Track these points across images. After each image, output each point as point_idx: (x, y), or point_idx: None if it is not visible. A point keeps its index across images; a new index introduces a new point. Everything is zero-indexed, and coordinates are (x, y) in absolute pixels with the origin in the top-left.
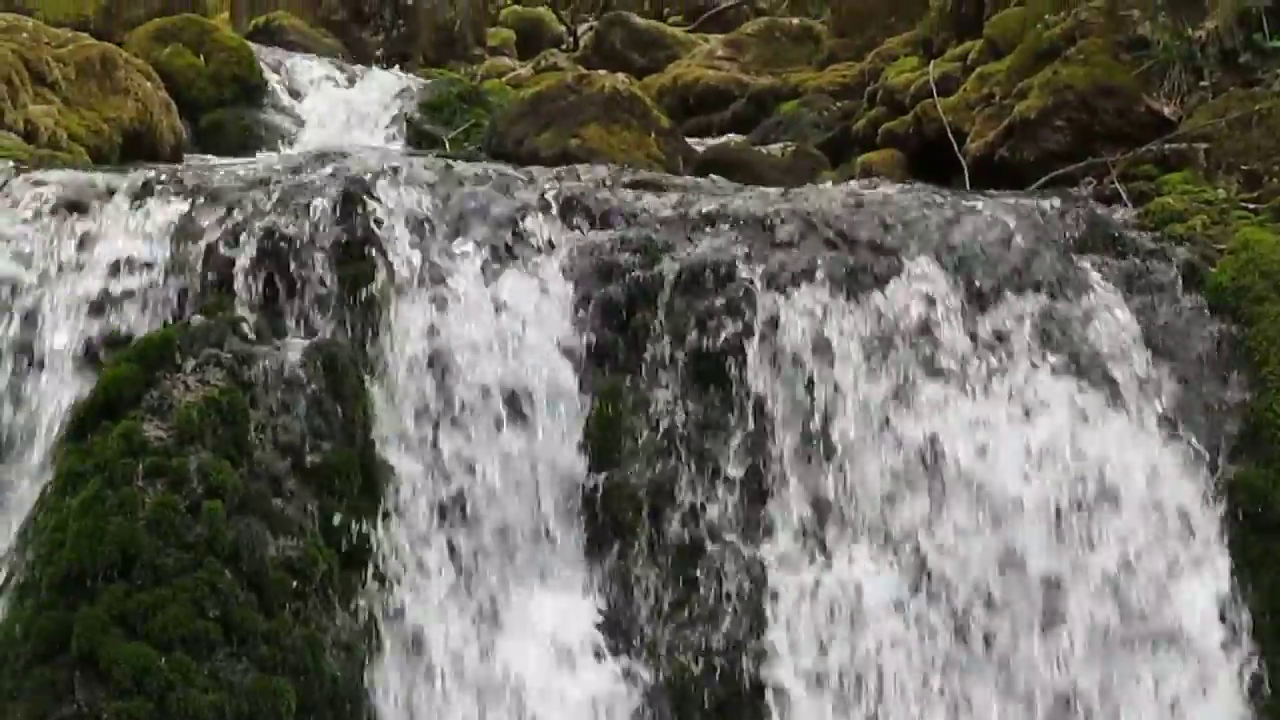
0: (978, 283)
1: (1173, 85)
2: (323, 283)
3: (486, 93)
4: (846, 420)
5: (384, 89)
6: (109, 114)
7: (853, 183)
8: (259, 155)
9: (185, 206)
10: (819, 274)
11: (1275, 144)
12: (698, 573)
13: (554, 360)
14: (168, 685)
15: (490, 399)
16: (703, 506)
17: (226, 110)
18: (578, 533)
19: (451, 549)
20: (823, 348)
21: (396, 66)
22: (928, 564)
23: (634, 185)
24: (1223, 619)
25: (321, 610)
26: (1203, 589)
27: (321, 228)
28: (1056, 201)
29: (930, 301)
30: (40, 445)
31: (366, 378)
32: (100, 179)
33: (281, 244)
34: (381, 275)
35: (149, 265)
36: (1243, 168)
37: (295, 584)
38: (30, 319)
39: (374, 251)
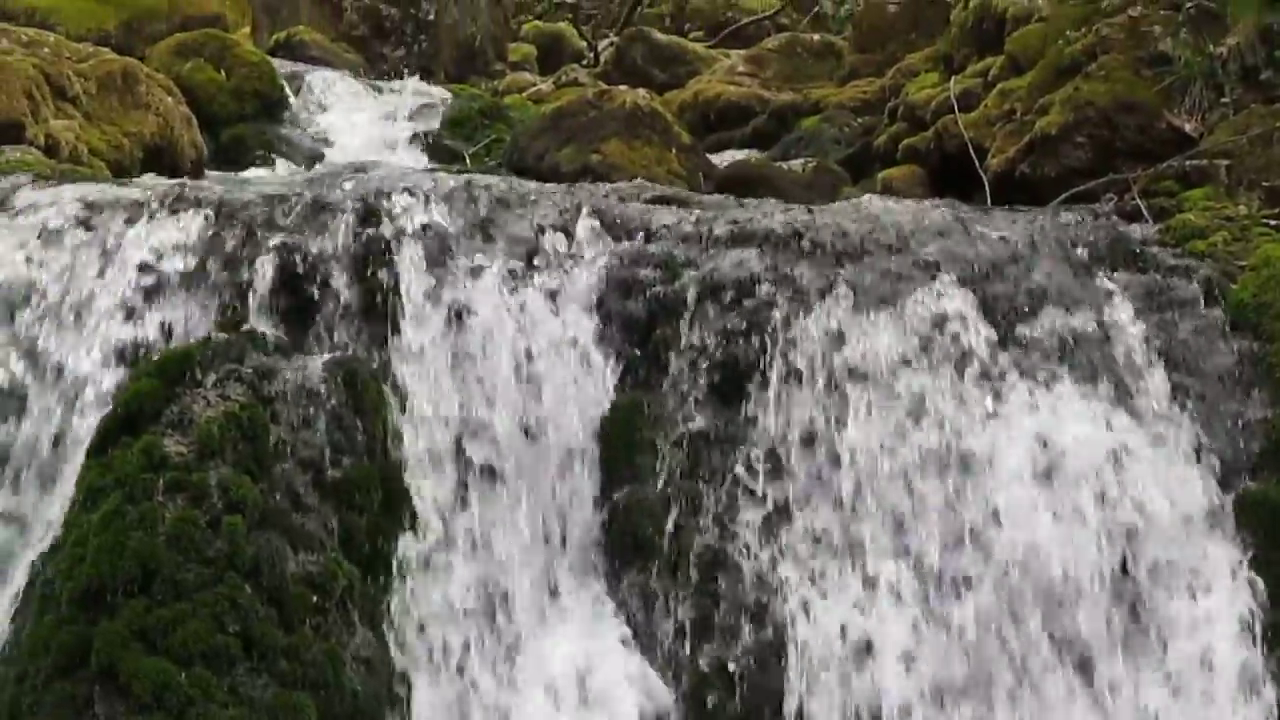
0: (998, 299)
1: (1194, 102)
2: (343, 297)
3: (507, 108)
4: (867, 437)
5: (405, 104)
6: (130, 129)
7: (874, 198)
8: (279, 170)
9: (206, 221)
10: (840, 290)
11: None
12: (718, 589)
13: (574, 375)
14: (188, 700)
15: (510, 413)
16: (724, 522)
17: (247, 125)
18: (598, 548)
19: (469, 564)
20: (843, 364)
21: (418, 81)
22: (947, 582)
23: (655, 201)
24: (1250, 638)
25: (342, 625)
26: (1228, 607)
27: (342, 243)
28: (1077, 218)
29: (951, 318)
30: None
31: (387, 391)
32: (120, 192)
33: (302, 259)
34: (402, 290)
35: (170, 278)
36: (1264, 184)
37: (315, 599)
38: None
39: (394, 266)
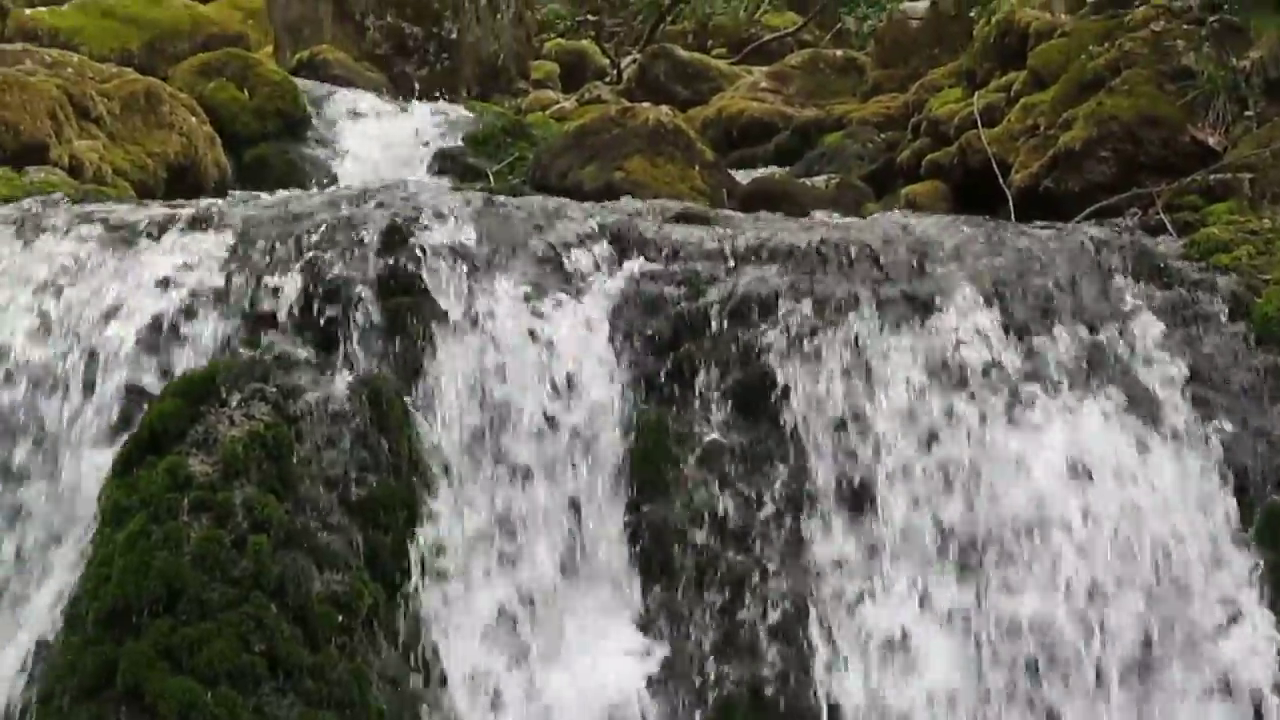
0: (1022, 314)
1: (1217, 115)
2: (368, 317)
3: (530, 126)
4: (891, 452)
5: (428, 123)
6: (154, 149)
7: (897, 214)
8: (303, 189)
9: (231, 240)
10: (863, 306)
11: None
12: (743, 605)
13: (598, 392)
14: None
15: (534, 430)
16: (748, 539)
17: (271, 145)
18: (622, 565)
19: (496, 583)
20: (867, 379)
21: (440, 100)
22: (974, 600)
23: (678, 218)
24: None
25: (367, 644)
26: (1252, 630)
27: (366, 262)
28: (1101, 233)
29: (975, 333)
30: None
31: (412, 410)
32: (144, 212)
33: (327, 278)
34: (425, 309)
35: (195, 298)
36: None
37: (341, 618)
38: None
39: (418, 285)
